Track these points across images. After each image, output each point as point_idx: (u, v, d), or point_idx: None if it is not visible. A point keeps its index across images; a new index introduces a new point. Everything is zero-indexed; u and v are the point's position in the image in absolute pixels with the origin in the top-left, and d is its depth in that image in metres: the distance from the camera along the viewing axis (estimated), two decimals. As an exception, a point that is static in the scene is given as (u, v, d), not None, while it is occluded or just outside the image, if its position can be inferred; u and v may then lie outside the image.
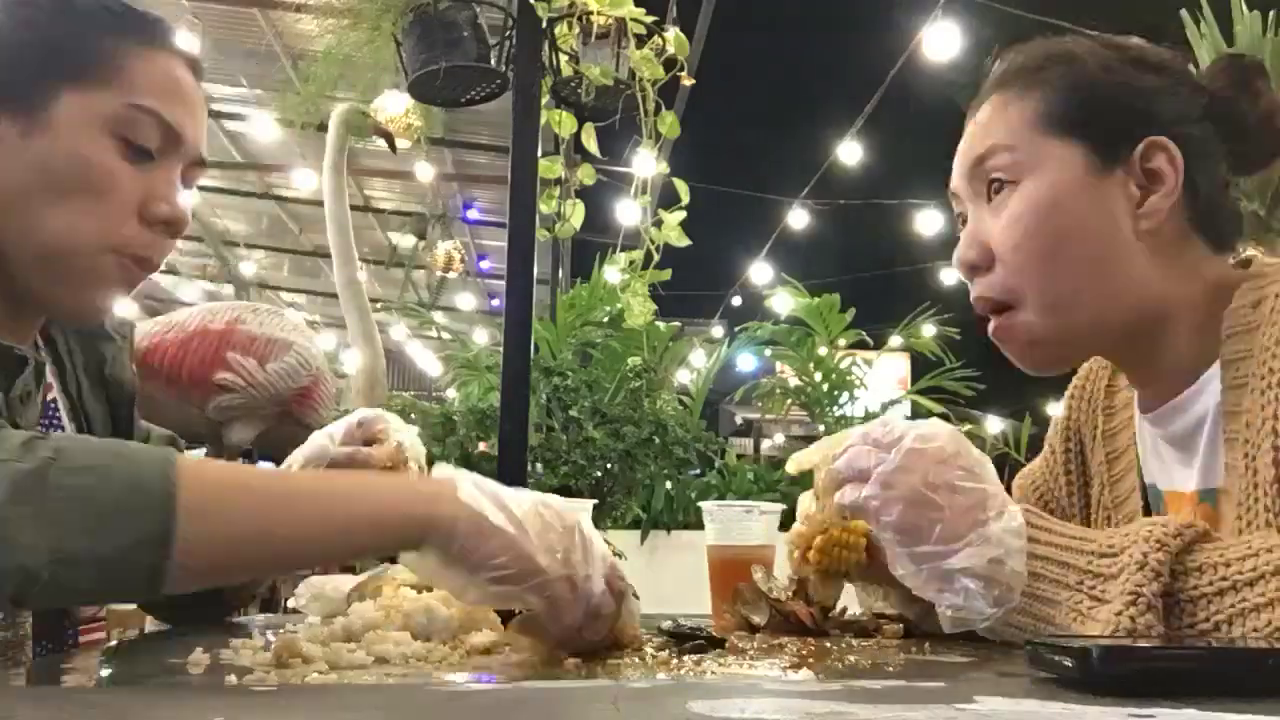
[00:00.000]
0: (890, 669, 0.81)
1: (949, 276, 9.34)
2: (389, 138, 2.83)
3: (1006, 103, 1.03)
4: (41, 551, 0.65)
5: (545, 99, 2.22)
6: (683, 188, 2.52)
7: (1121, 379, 1.16)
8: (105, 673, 0.80)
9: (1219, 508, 0.97)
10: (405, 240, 8.69)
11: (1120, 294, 0.98)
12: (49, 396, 1.08)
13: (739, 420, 11.93)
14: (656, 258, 2.50)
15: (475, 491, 0.76)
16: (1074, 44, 1.04)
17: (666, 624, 0.97)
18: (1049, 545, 0.86)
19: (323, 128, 2.78)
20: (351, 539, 0.77)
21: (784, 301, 4.69)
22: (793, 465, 1.09)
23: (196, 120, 1.02)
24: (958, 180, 1.06)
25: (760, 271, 9.04)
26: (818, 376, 4.25)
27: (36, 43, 0.96)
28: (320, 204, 2.69)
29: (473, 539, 0.74)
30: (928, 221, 7.98)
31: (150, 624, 1.26)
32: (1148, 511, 1.09)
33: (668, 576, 1.53)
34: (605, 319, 3.75)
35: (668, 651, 0.87)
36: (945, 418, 4.17)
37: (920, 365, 5.48)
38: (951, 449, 0.89)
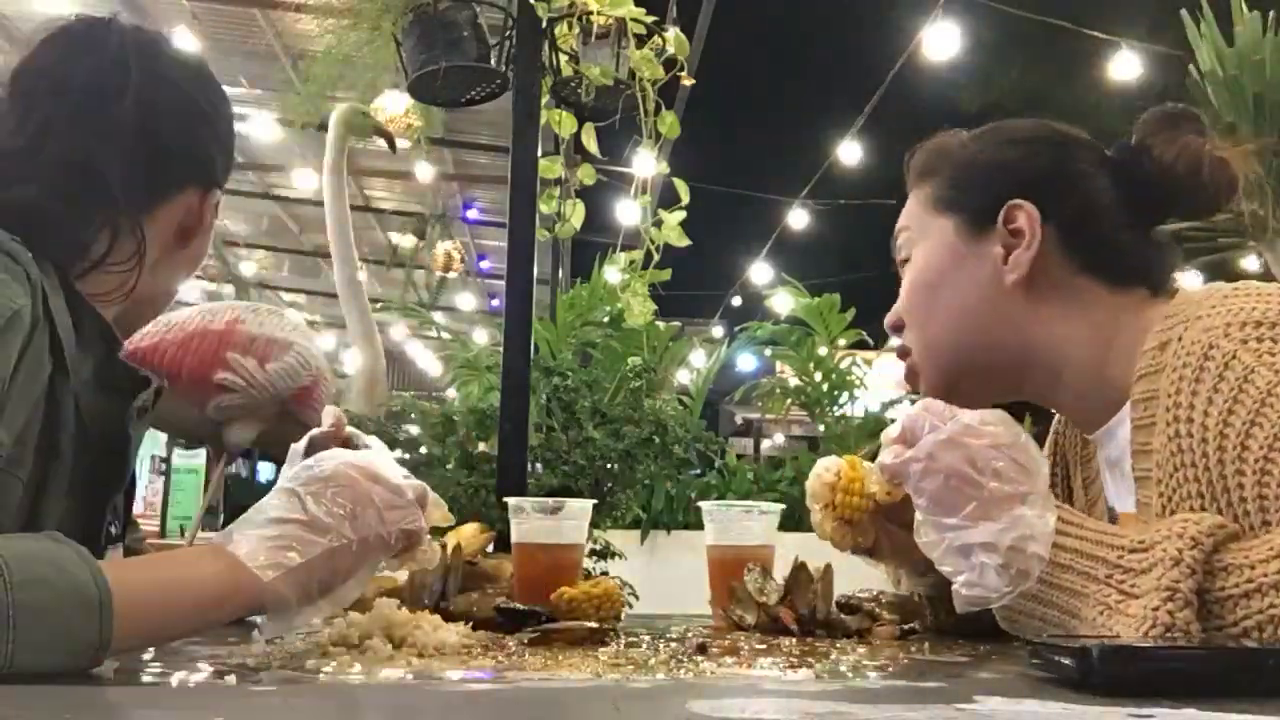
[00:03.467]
0: (890, 669, 0.81)
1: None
2: (389, 138, 2.83)
3: (914, 194, 1.21)
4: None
5: (545, 99, 2.21)
6: (683, 188, 2.51)
7: None
8: (105, 673, 0.80)
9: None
10: (405, 240, 8.69)
11: (984, 338, 1.12)
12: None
13: (739, 420, 11.94)
14: (656, 258, 2.50)
15: (256, 551, 0.81)
16: (951, 138, 1.21)
17: (501, 601, 1.05)
18: (1079, 539, 0.88)
19: (323, 128, 2.77)
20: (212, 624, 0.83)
21: (784, 301, 4.70)
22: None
23: None
24: (896, 259, 1.23)
25: (760, 271, 9.05)
26: (818, 376, 4.25)
27: (201, 147, 1.12)
28: (320, 204, 2.69)
29: (280, 600, 0.81)
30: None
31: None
32: None
33: (668, 576, 1.53)
34: (605, 319, 3.75)
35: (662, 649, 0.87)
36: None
37: (920, 365, 5.46)
38: (1008, 439, 0.92)
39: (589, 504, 1.21)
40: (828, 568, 1.14)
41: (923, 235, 1.17)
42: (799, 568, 1.13)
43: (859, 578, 1.22)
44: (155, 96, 1.05)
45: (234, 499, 7.00)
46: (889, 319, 1.22)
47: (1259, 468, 0.88)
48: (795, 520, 3.63)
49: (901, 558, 1.14)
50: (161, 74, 1.08)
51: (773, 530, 1.25)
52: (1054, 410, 1.21)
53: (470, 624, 1.03)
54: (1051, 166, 1.13)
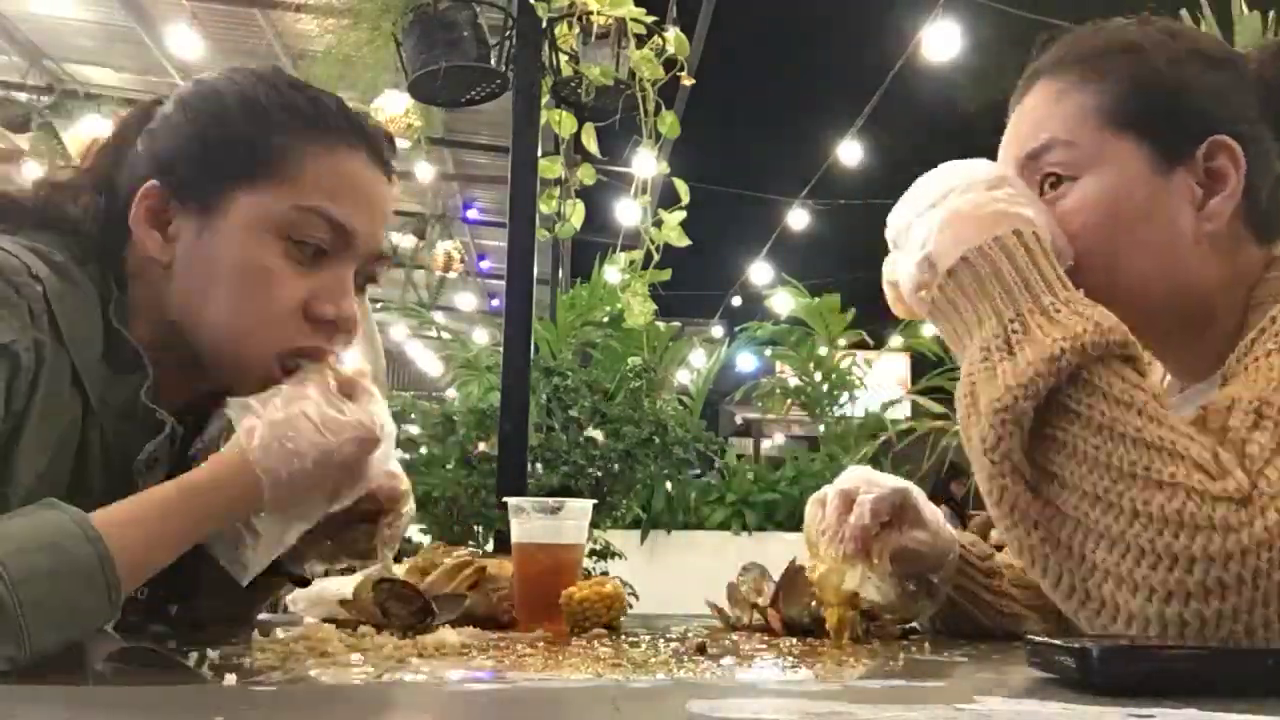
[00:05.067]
0: (890, 669, 0.81)
1: (949, 276, 9.34)
2: (389, 138, 2.83)
3: (1061, 92, 1.00)
4: (18, 652, 0.72)
5: (545, 99, 2.22)
6: (683, 188, 2.51)
7: (1155, 375, 1.15)
8: (105, 673, 0.80)
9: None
10: (405, 240, 8.68)
11: (1176, 289, 0.97)
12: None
13: (739, 420, 11.93)
14: (656, 258, 2.50)
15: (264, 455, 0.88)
16: (1138, 34, 1.00)
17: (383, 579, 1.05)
18: (1014, 267, 0.87)
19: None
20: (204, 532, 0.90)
21: (784, 301, 4.70)
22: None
23: (373, 217, 1.01)
24: (1011, 170, 1.02)
25: (760, 271, 9.05)
26: (818, 376, 4.26)
27: (221, 140, 0.97)
28: (320, 204, 2.68)
29: (270, 475, 0.88)
30: (928, 221, 7.97)
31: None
32: None
33: (668, 576, 1.53)
34: (605, 319, 3.75)
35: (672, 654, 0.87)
36: (944, 417, 4.17)
37: (920, 365, 5.48)
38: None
39: (589, 504, 1.21)
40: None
41: (1100, 157, 0.97)
42: (796, 570, 1.13)
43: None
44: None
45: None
46: None
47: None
48: (795, 520, 3.63)
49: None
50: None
51: (583, 531, 1.20)
52: (1169, 363, 1.08)
53: (471, 624, 1.04)
54: (1249, 102, 0.98)
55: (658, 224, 2.52)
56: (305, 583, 1.14)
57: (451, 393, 4.13)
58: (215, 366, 0.97)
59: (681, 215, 2.51)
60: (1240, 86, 0.99)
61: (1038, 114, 1.01)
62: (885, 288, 1.02)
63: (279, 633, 0.95)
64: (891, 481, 1.07)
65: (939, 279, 0.89)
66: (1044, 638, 0.71)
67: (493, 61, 2.14)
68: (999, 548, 1.17)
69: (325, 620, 1.06)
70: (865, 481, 1.06)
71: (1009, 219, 0.90)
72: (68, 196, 1.00)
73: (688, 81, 2.42)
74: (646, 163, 2.50)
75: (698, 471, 3.67)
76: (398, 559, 1.27)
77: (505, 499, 1.21)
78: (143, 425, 0.95)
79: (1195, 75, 0.98)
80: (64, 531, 0.77)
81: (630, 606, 1.68)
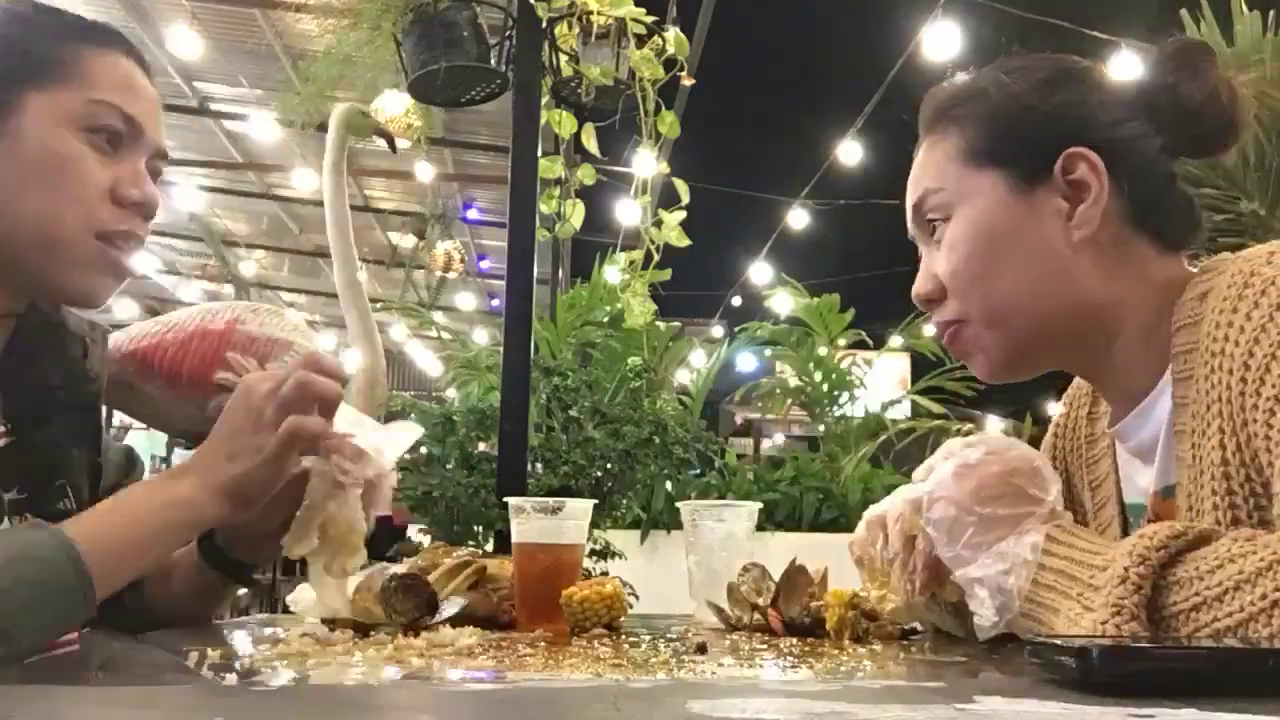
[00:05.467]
0: (890, 669, 0.81)
1: (949, 276, 9.34)
2: (389, 138, 2.83)
3: (932, 145, 1.08)
4: (9, 652, 0.79)
5: (545, 99, 2.21)
6: (683, 188, 2.51)
7: (1101, 405, 1.16)
8: (105, 673, 0.80)
9: (1177, 501, 0.98)
10: (405, 240, 8.69)
11: (1059, 301, 1.02)
12: None
13: (739, 420, 11.94)
14: (656, 258, 2.50)
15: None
16: (981, 77, 1.08)
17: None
18: (1065, 559, 0.88)
19: (323, 128, 2.77)
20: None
21: (784, 301, 4.70)
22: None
23: (155, 116, 1.10)
24: (909, 224, 1.11)
25: (760, 271, 9.04)
26: (818, 376, 4.26)
27: (5, 50, 1.04)
28: (320, 204, 2.68)
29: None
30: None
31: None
32: (1125, 532, 1.09)
33: (668, 576, 1.53)
34: (605, 319, 3.76)
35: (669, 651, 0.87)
36: (944, 417, 4.17)
37: (920, 365, 5.48)
38: (1021, 464, 0.96)
39: (589, 504, 1.21)
40: (825, 571, 1.14)
41: (963, 194, 1.04)
42: (796, 570, 1.13)
43: (859, 577, 1.21)
44: None
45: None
46: (922, 288, 1.08)
47: (1270, 405, 0.84)
48: (796, 520, 3.64)
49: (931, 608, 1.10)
50: None
51: (583, 531, 1.20)
52: (1096, 385, 1.13)
53: (471, 624, 1.03)
54: (1102, 110, 1.03)
55: (658, 224, 2.52)
56: (254, 584, 1.22)
57: (451, 393, 4.13)
58: (30, 258, 1.02)
59: (681, 215, 2.51)
60: (1094, 96, 1.04)
61: (916, 171, 1.09)
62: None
63: (279, 633, 0.95)
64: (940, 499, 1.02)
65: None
66: (1043, 638, 0.71)
67: (493, 61, 2.14)
68: None
69: (325, 621, 1.06)
70: (913, 503, 1.02)
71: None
72: None
73: (688, 81, 2.41)
74: (646, 163, 2.50)
75: (698, 471, 3.67)
76: (397, 558, 1.28)
77: (506, 499, 1.21)
78: None
79: (1040, 100, 1.03)
80: (42, 545, 0.86)
81: (630, 606, 1.67)
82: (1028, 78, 1.05)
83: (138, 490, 1.00)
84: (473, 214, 8.87)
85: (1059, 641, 0.67)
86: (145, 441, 10.22)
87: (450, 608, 1.05)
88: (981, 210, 1.03)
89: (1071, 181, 1.01)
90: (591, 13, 2.14)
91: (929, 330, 4.45)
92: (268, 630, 1.02)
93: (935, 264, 1.06)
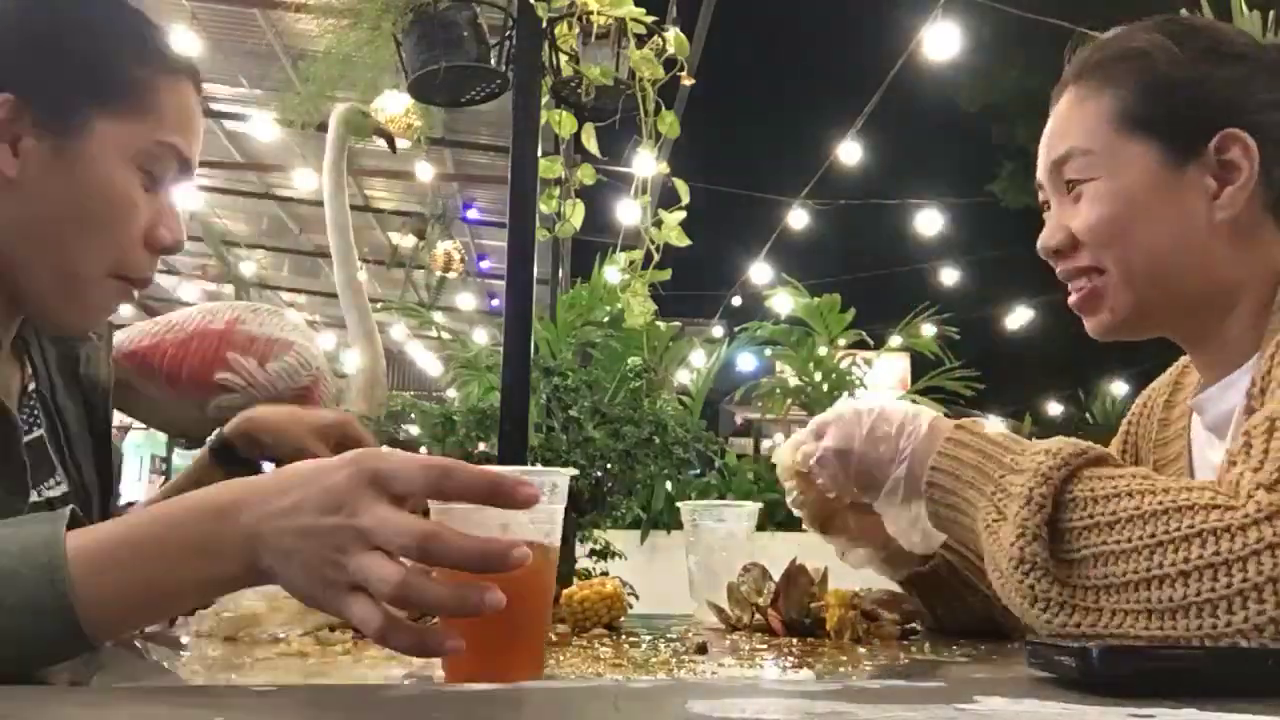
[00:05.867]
0: (890, 669, 0.81)
1: (949, 276, 9.36)
2: (389, 138, 2.83)
3: (1081, 99, 1.06)
4: None
5: (545, 99, 2.21)
6: (683, 188, 2.51)
7: (1181, 394, 1.18)
8: (104, 674, 0.80)
9: None
10: (405, 240, 8.68)
11: (1192, 274, 1.02)
12: (29, 387, 1.09)
13: (739, 420, 11.93)
14: (656, 258, 2.49)
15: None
16: (1146, 40, 1.05)
17: None
18: (976, 451, 0.93)
19: (323, 128, 2.77)
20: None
21: (784, 301, 4.70)
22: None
23: (199, 146, 1.06)
24: (1041, 173, 1.10)
25: (760, 271, 9.04)
26: (818, 376, 4.25)
27: (75, 62, 0.97)
28: (320, 204, 2.69)
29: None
30: (928, 221, 7.98)
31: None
32: None
33: (668, 576, 1.53)
34: (605, 319, 3.75)
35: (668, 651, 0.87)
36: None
37: (920, 365, 5.48)
38: (862, 409, 1.04)
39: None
40: (825, 571, 1.14)
41: (1113, 160, 1.03)
42: (796, 570, 1.13)
43: (859, 578, 1.22)
44: None
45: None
46: (1052, 239, 1.07)
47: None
48: (796, 520, 3.63)
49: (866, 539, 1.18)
50: None
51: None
52: (1198, 356, 1.12)
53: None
54: (1260, 91, 1.02)
55: (658, 224, 2.52)
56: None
57: (451, 393, 4.13)
58: (47, 285, 0.97)
59: (681, 215, 2.51)
60: (1256, 77, 1.02)
61: (1060, 124, 1.08)
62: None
63: (279, 633, 0.95)
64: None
65: (923, 498, 0.97)
66: (1043, 638, 0.71)
67: (493, 61, 2.14)
68: None
69: (318, 630, 1.05)
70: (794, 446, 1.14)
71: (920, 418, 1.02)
72: None
73: (688, 81, 2.41)
74: (646, 163, 2.50)
75: (698, 471, 3.67)
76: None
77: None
78: None
79: (1203, 73, 1.01)
80: (28, 563, 0.67)
81: (630, 606, 1.67)
82: (1193, 44, 1.03)
83: (165, 560, 0.69)
84: (473, 214, 8.86)
85: (1059, 642, 0.67)
86: (145, 441, 10.22)
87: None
88: (1131, 179, 1.03)
89: (1223, 162, 1.01)
90: (591, 13, 2.14)
91: (929, 330, 4.45)
92: (267, 630, 1.02)
93: (1069, 217, 1.06)
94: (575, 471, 0.80)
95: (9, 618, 0.66)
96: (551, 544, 0.75)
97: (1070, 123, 1.07)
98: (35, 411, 1.08)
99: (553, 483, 0.75)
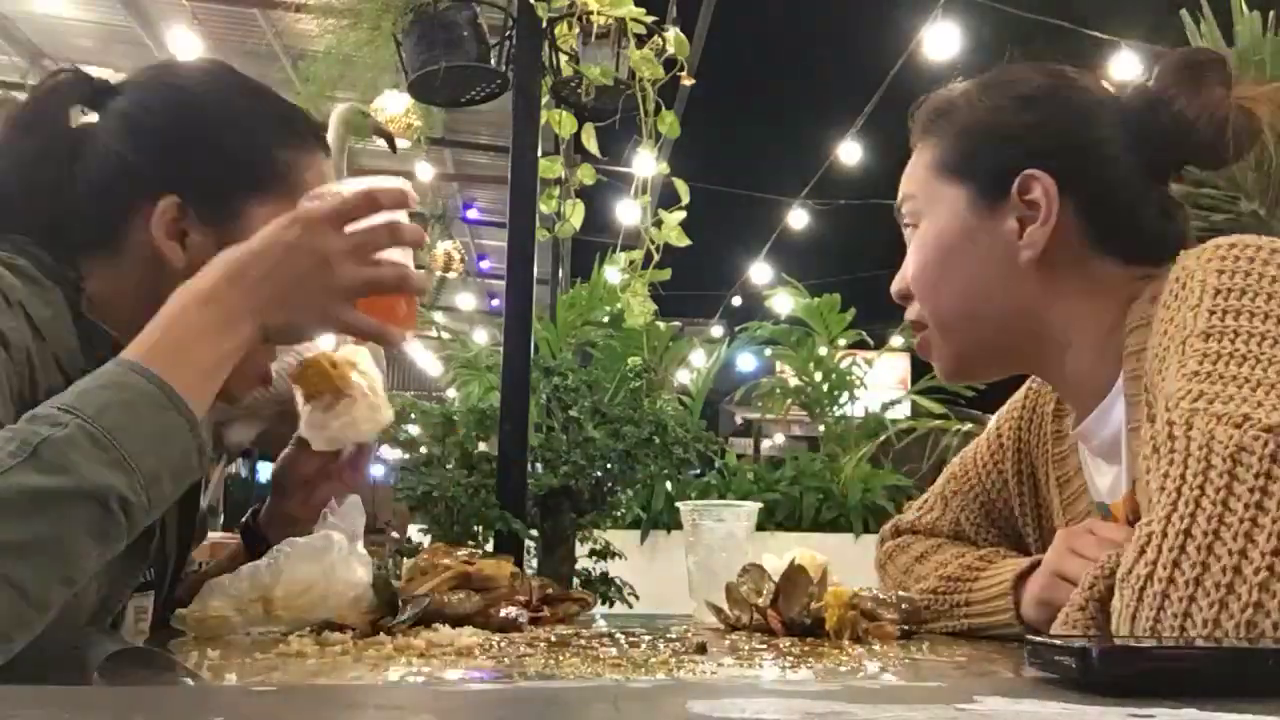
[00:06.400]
0: (890, 669, 0.81)
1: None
2: (389, 138, 2.83)
3: (915, 153, 1.13)
4: (131, 478, 0.75)
5: (545, 99, 2.22)
6: (683, 188, 2.51)
7: (1066, 406, 1.17)
8: (104, 673, 0.80)
9: (1137, 495, 0.98)
10: (405, 240, 8.66)
11: (1001, 315, 1.06)
12: None
13: (739, 420, 11.93)
14: (656, 258, 2.50)
15: None
16: (960, 92, 1.12)
17: None
18: None
19: (322, 128, 2.77)
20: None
21: (784, 301, 4.70)
22: None
23: None
24: (900, 221, 1.17)
25: (760, 271, 9.05)
26: (818, 376, 4.26)
27: (230, 157, 1.03)
28: (320, 204, 2.68)
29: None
30: (928, 221, 7.98)
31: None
32: None
33: (668, 576, 1.53)
34: (605, 319, 3.76)
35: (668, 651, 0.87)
36: (944, 417, 4.17)
37: (920, 365, 5.48)
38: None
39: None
40: (825, 571, 1.14)
41: (930, 204, 1.09)
42: (795, 570, 1.13)
43: (859, 577, 1.22)
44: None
45: (234, 499, 7.00)
46: (896, 286, 1.14)
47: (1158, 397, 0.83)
48: (795, 519, 3.64)
49: None
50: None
51: None
52: (1055, 388, 1.15)
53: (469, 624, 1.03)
54: (1069, 132, 1.05)
55: (658, 224, 2.52)
56: None
57: (451, 393, 4.13)
58: None
59: (681, 215, 2.51)
60: (1074, 116, 1.05)
61: (905, 175, 1.14)
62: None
63: (279, 633, 0.95)
64: None
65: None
66: (1043, 638, 0.71)
67: (493, 61, 2.14)
68: None
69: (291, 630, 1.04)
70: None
71: None
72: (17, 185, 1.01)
73: (688, 81, 2.41)
74: (646, 163, 2.50)
75: (698, 471, 3.67)
76: (397, 555, 1.27)
77: None
78: None
79: (1006, 119, 1.06)
80: (113, 372, 0.80)
81: (630, 606, 1.67)
82: (1002, 94, 1.08)
83: (182, 327, 0.86)
84: (473, 214, 8.87)
85: (1058, 641, 0.67)
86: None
87: (413, 608, 1.02)
88: (941, 221, 1.08)
89: (1028, 202, 1.03)
90: (591, 13, 2.14)
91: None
92: (267, 630, 1.02)
93: (905, 264, 1.13)
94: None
95: (150, 427, 0.78)
96: None
97: (907, 174, 1.13)
98: None
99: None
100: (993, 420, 1.29)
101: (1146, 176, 1.05)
